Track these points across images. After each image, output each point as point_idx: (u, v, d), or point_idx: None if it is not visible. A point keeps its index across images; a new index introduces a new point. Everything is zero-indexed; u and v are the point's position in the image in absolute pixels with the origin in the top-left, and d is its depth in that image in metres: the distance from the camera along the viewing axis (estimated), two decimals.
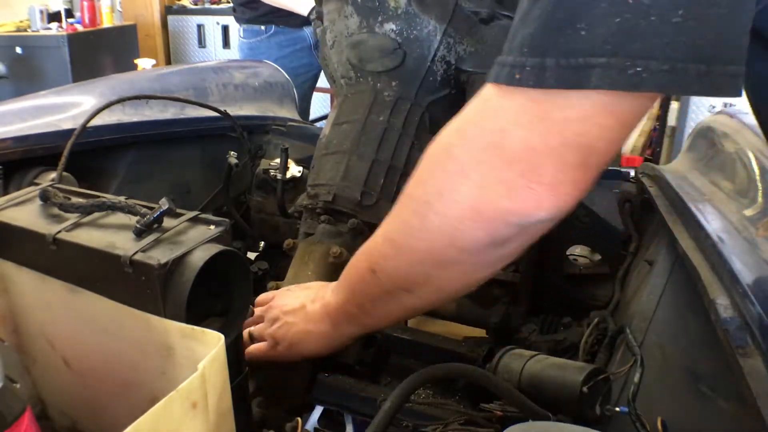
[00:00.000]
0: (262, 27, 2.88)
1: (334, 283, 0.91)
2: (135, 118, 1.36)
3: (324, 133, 1.27)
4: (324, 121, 1.34)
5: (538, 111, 0.56)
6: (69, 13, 5.63)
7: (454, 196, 0.63)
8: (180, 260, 0.71)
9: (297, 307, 0.94)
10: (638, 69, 0.50)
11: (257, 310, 1.01)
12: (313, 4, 2.05)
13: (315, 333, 0.92)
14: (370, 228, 1.15)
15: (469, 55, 1.22)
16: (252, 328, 0.99)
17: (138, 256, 0.70)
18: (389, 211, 1.14)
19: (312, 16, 1.92)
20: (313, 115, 4.73)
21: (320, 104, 6.25)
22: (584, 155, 0.57)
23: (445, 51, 1.21)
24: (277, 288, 1.12)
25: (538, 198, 0.58)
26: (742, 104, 0.80)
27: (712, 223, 0.86)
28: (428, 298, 0.77)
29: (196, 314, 0.72)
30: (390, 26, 1.22)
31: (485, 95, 0.62)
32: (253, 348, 0.96)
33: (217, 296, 0.79)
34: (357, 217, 1.14)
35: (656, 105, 4.57)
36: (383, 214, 1.16)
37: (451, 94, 1.25)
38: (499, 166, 0.59)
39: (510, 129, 0.58)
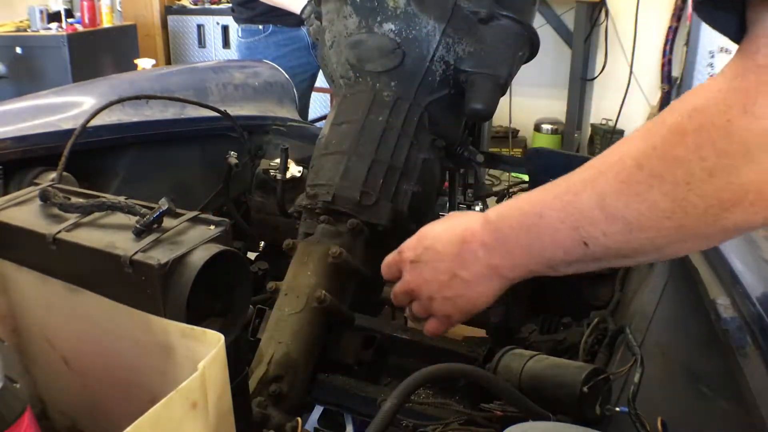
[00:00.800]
0: (260, 26, 2.87)
1: (481, 238, 0.81)
2: (135, 118, 1.36)
3: (323, 134, 1.27)
4: (324, 121, 1.34)
5: None
6: (69, 13, 5.63)
7: (731, 178, 0.57)
8: (180, 260, 0.71)
9: (446, 279, 0.85)
10: None
11: (398, 288, 0.93)
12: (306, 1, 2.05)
13: (482, 291, 0.83)
14: (369, 228, 1.15)
15: (468, 55, 1.22)
16: (414, 307, 0.92)
17: (138, 256, 0.70)
18: (388, 211, 1.13)
19: (304, 15, 1.91)
20: (312, 115, 4.73)
21: (320, 104, 6.25)
22: None
23: (444, 51, 1.21)
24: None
25: None
26: None
27: None
28: (645, 260, 0.75)
29: (196, 314, 0.72)
30: (389, 26, 1.22)
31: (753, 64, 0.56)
32: (432, 329, 0.91)
33: (217, 296, 0.79)
34: (356, 217, 1.14)
35: (656, 105, 4.57)
36: (382, 213, 1.16)
37: (450, 94, 1.25)
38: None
39: None
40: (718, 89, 0.58)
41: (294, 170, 1.44)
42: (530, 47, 1.29)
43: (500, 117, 4.34)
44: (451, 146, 1.34)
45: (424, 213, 1.25)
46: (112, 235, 0.75)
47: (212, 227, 0.77)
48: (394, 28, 1.22)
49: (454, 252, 0.83)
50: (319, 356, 1.07)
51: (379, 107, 1.21)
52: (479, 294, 0.84)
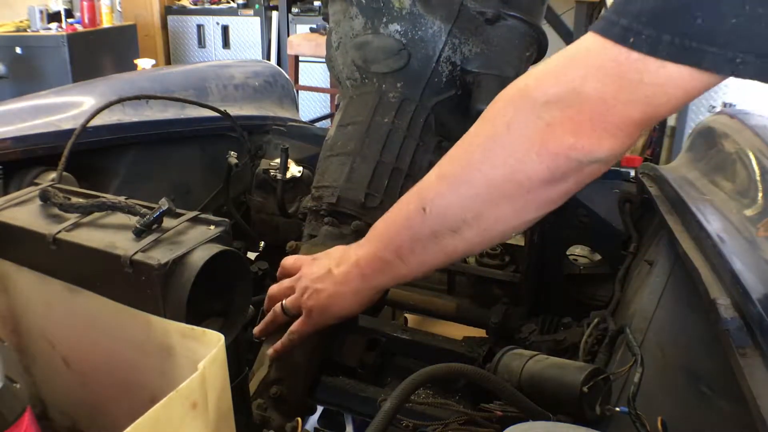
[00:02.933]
0: None
1: (358, 242, 0.95)
2: (135, 118, 1.36)
3: (329, 135, 1.27)
4: (325, 120, 1.34)
5: (619, 70, 0.64)
6: (69, 13, 5.63)
7: (523, 131, 0.71)
8: (180, 260, 0.71)
9: (324, 273, 0.96)
10: (739, 60, 0.59)
11: (286, 281, 1.03)
12: None
13: (344, 293, 0.94)
14: None
15: (475, 55, 1.21)
16: (285, 301, 1.01)
17: (138, 256, 0.70)
18: None
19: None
20: (312, 115, 4.73)
21: (320, 104, 6.26)
22: (647, 115, 0.66)
23: (450, 51, 1.21)
24: (296, 248, 1.13)
25: (600, 139, 0.67)
26: (741, 104, 0.80)
27: (713, 223, 0.86)
28: (472, 240, 0.80)
29: (196, 314, 0.72)
30: (395, 27, 1.22)
31: (576, 45, 0.69)
32: (294, 326, 0.98)
33: (217, 296, 0.79)
34: (361, 219, 1.14)
35: None
36: None
37: (457, 95, 1.24)
38: (571, 108, 0.67)
39: (590, 79, 0.66)
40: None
41: (294, 170, 1.44)
42: (538, 47, 1.29)
43: None
44: None
45: None
46: (112, 235, 0.75)
47: (212, 227, 0.77)
48: (399, 29, 1.21)
49: (338, 255, 0.97)
50: (321, 359, 1.07)
51: (385, 108, 1.21)
52: (342, 294, 0.94)
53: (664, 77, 0.62)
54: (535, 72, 0.74)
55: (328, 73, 5.80)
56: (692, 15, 0.60)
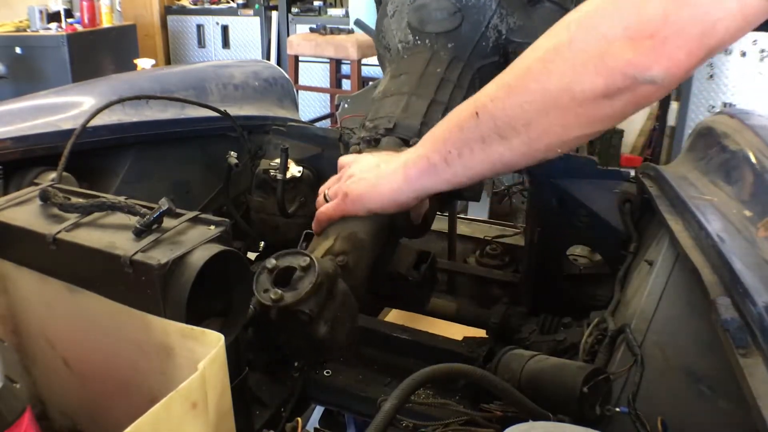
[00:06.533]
0: None
1: (411, 148, 0.97)
2: (135, 118, 1.36)
3: (379, 90, 1.32)
4: (325, 120, 1.35)
5: None
6: (68, 13, 5.63)
7: (583, 45, 0.73)
8: (180, 260, 0.71)
9: (372, 165, 1.00)
10: None
11: (335, 176, 1.06)
12: None
13: (384, 186, 0.96)
14: None
15: (518, 27, 1.31)
16: (325, 186, 1.03)
17: (138, 256, 0.70)
18: None
19: None
20: (312, 115, 4.73)
21: (320, 104, 6.26)
22: (705, 31, 0.67)
23: (498, 20, 1.30)
24: (360, 153, 1.15)
25: (658, 56, 0.69)
26: (741, 104, 0.81)
27: (712, 223, 0.86)
28: (518, 149, 0.82)
29: (196, 314, 0.72)
30: None
31: None
32: (323, 207, 1.00)
33: (217, 296, 0.79)
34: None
35: (656, 105, 4.57)
36: None
37: (499, 62, 1.32)
38: (633, 26, 0.70)
39: None
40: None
41: (294, 170, 1.44)
42: None
43: None
44: None
45: None
46: (112, 235, 0.75)
47: (212, 227, 0.77)
48: None
49: (388, 154, 1.02)
50: (383, 246, 1.07)
51: (437, 62, 1.29)
52: (380, 187, 0.96)
53: None
54: None
55: (328, 73, 5.82)
56: None
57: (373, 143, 1.19)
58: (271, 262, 0.87)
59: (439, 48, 1.31)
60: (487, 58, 1.31)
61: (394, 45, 1.38)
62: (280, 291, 0.83)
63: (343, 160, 1.08)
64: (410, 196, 0.95)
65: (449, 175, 0.90)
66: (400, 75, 1.30)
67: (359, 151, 1.20)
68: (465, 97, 1.22)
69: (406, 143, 1.17)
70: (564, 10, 1.32)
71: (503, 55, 1.32)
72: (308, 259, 0.86)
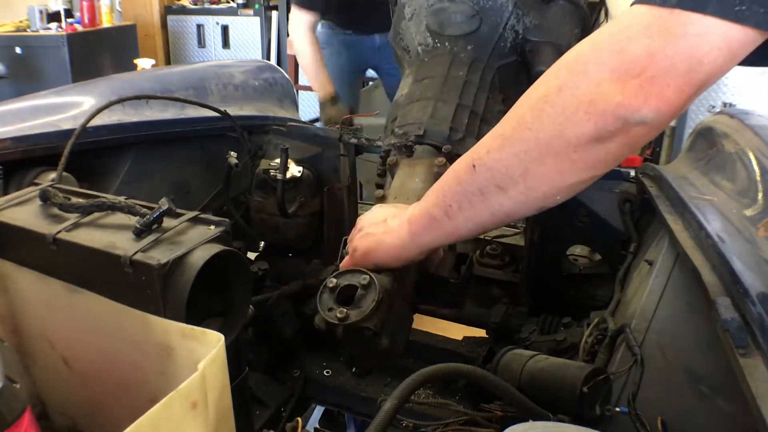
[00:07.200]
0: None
1: (416, 203, 0.99)
2: (135, 118, 1.36)
3: (401, 93, 1.34)
4: (319, 122, 1.35)
5: (666, 25, 0.68)
6: (68, 13, 5.63)
7: (572, 91, 0.74)
8: (180, 260, 0.71)
9: (380, 220, 1.03)
10: (743, 8, 0.65)
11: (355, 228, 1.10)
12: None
13: (389, 243, 0.98)
14: None
15: (534, 27, 1.33)
16: (349, 239, 1.07)
17: (138, 256, 0.70)
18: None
19: None
20: (312, 116, 4.72)
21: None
22: (691, 67, 0.68)
23: (515, 21, 1.32)
24: (383, 198, 1.19)
25: (646, 96, 0.69)
26: (741, 104, 0.81)
27: (713, 223, 0.86)
28: (517, 198, 0.83)
29: (196, 314, 0.72)
30: None
31: (623, 14, 0.74)
32: (343, 262, 1.03)
33: (217, 296, 0.79)
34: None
35: None
36: (470, 148, 1.21)
37: (517, 62, 1.35)
38: (619, 67, 0.70)
39: (636, 38, 0.70)
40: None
41: (294, 170, 1.44)
42: (583, 26, 1.42)
43: None
44: None
45: None
46: (112, 235, 0.75)
47: (212, 227, 0.77)
48: None
49: (396, 209, 1.04)
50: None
51: (458, 65, 1.32)
52: (386, 244, 0.98)
53: (706, 27, 0.66)
54: (588, 39, 0.77)
55: None
56: None
57: (404, 150, 1.23)
58: (332, 281, 0.93)
59: (459, 50, 1.33)
60: (505, 58, 1.34)
61: (413, 47, 1.40)
62: (345, 310, 0.87)
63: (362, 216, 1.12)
64: (414, 251, 0.97)
65: (451, 228, 0.91)
66: (423, 79, 1.32)
67: (394, 162, 1.24)
68: (488, 98, 1.30)
69: (438, 150, 1.20)
70: (577, 7, 1.36)
71: (520, 54, 1.35)
72: (368, 277, 0.92)
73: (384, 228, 1.00)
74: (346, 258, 1.03)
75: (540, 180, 0.80)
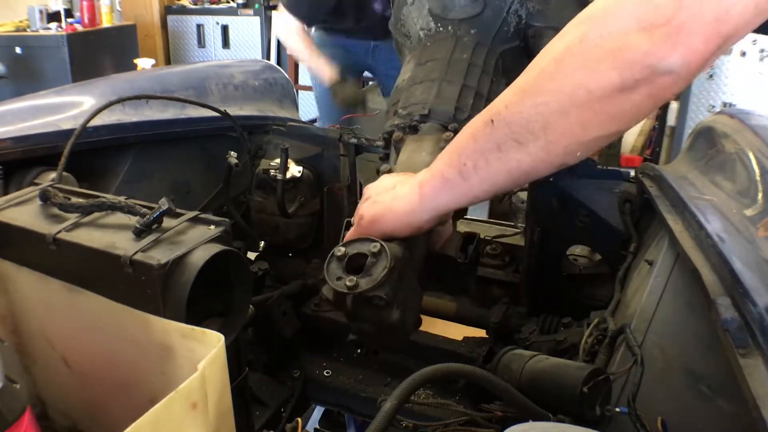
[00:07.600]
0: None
1: (426, 169, 0.95)
2: (135, 118, 1.36)
3: (402, 78, 1.33)
4: (317, 122, 1.34)
5: None
6: (68, 13, 5.63)
7: (597, 41, 0.72)
8: (180, 260, 0.71)
9: (388, 187, 0.98)
10: None
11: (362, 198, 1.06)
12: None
13: (397, 210, 0.93)
14: None
15: (537, 12, 1.33)
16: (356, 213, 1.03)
17: (138, 256, 0.70)
18: None
19: None
20: (312, 115, 4.72)
21: None
22: (719, 17, 0.66)
23: (518, 5, 1.32)
24: (389, 171, 1.15)
25: (674, 44, 0.68)
26: (741, 104, 0.80)
27: (713, 223, 0.86)
28: (536, 154, 0.80)
29: (196, 314, 0.72)
30: None
31: None
32: (349, 233, 0.98)
33: (217, 296, 0.79)
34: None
35: None
36: None
37: (520, 47, 1.34)
38: (646, 16, 0.69)
39: None
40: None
41: (294, 170, 1.44)
42: None
43: None
44: None
45: None
46: (112, 235, 0.75)
47: (212, 227, 0.77)
48: None
49: (405, 176, 1.00)
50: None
51: (462, 48, 1.31)
52: (394, 210, 0.93)
53: None
54: None
55: None
56: None
57: (409, 130, 1.20)
58: (340, 249, 0.88)
59: (462, 34, 1.32)
60: (508, 42, 1.33)
61: (415, 32, 1.39)
62: (355, 278, 0.83)
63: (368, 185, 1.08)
64: (425, 217, 0.92)
65: (465, 188, 0.87)
66: (426, 62, 1.30)
67: (399, 137, 1.20)
68: (492, 81, 1.29)
69: (445, 129, 1.18)
70: None
71: (523, 39, 1.34)
72: (378, 244, 0.86)
73: (393, 194, 0.96)
74: (352, 229, 0.98)
75: (561, 133, 0.77)
